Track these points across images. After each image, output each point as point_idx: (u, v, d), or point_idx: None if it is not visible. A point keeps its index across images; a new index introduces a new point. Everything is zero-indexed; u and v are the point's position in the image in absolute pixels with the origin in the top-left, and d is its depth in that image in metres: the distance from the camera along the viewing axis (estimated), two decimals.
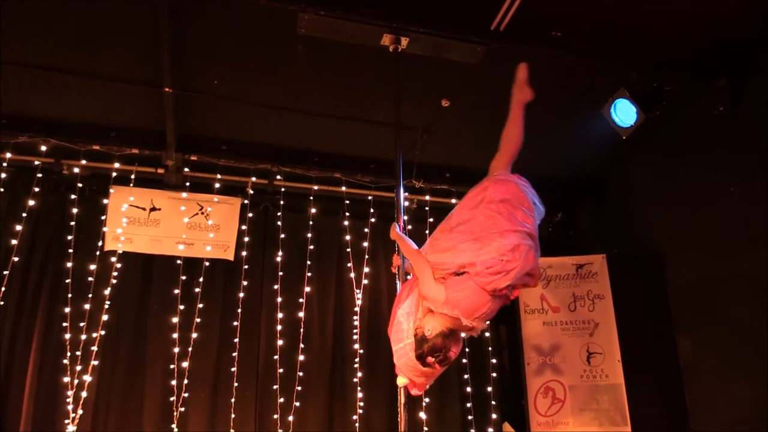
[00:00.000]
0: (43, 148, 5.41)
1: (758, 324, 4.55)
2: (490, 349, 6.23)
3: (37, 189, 5.51)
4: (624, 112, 4.82)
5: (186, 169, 5.76)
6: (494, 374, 6.19)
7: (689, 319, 5.26)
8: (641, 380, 5.30)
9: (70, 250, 5.45)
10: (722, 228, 4.89)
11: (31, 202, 5.45)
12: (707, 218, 5.05)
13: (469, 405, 6.03)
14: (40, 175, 5.54)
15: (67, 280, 5.38)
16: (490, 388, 6.11)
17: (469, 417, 6.00)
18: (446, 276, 3.19)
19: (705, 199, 5.07)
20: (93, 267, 5.45)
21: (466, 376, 6.08)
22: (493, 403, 6.08)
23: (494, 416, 6.04)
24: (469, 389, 6.06)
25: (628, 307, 5.51)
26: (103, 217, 5.59)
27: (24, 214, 5.39)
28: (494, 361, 6.23)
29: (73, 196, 5.60)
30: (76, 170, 5.63)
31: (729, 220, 4.83)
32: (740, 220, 4.73)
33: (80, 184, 5.64)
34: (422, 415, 5.81)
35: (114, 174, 5.65)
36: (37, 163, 5.53)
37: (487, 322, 6.10)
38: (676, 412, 5.19)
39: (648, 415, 5.22)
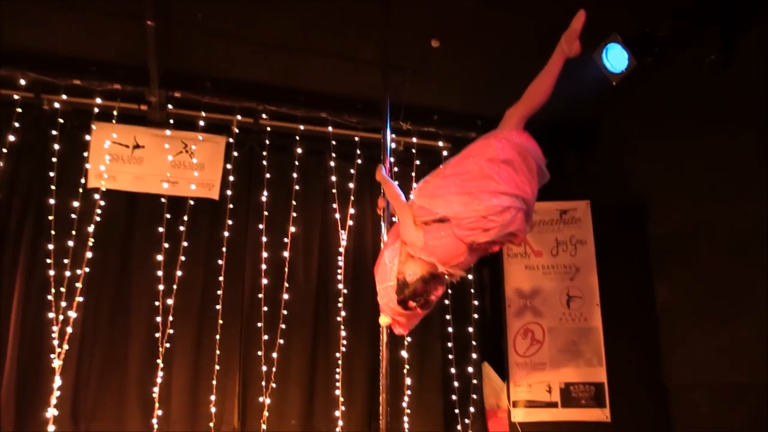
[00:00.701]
0: (22, 81, 5.28)
1: (734, 274, 4.65)
2: (472, 290, 6.32)
3: (17, 124, 5.41)
4: (616, 58, 4.77)
5: (169, 106, 5.67)
6: (476, 315, 6.28)
7: (668, 267, 5.36)
8: (618, 324, 5.43)
9: (53, 187, 5.38)
10: (706, 178, 4.93)
11: (12, 138, 5.35)
12: (692, 168, 5.08)
13: (450, 345, 6.15)
14: (19, 110, 5.43)
15: (50, 217, 5.34)
16: (471, 329, 6.22)
17: (450, 356, 6.13)
18: (429, 222, 3.20)
19: (691, 148, 5.09)
20: (76, 204, 5.41)
21: (448, 317, 6.18)
22: (474, 343, 6.19)
23: (474, 356, 6.17)
24: (450, 329, 6.17)
25: (610, 253, 5.60)
26: (85, 154, 5.50)
27: (4, 150, 5.30)
28: (476, 302, 6.32)
29: (54, 132, 5.50)
30: (57, 105, 5.52)
31: (713, 171, 4.86)
32: (724, 171, 4.77)
33: (61, 120, 5.54)
34: (404, 353, 5.93)
35: (96, 110, 5.54)
36: (16, 97, 5.41)
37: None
38: (650, 356, 5.35)
39: (623, 358, 5.37)
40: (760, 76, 4.46)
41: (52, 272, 5.26)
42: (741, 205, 4.59)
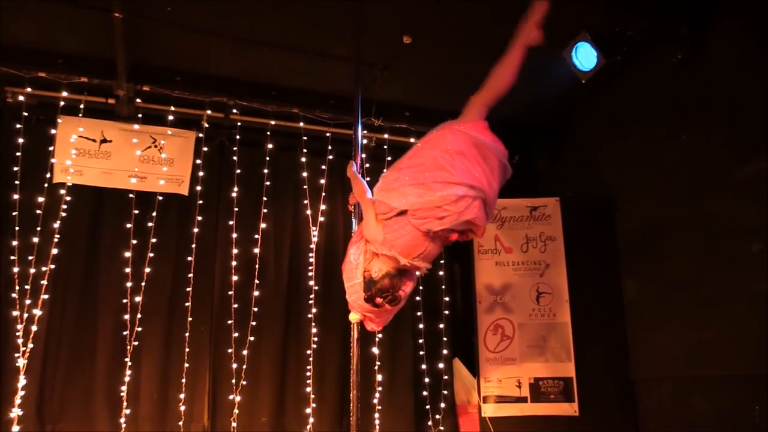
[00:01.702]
0: None
1: (699, 270, 4.75)
2: (443, 287, 6.35)
3: None
4: (585, 56, 4.82)
5: (138, 100, 5.57)
6: (446, 312, 6.32)
7: (635, 262, 5.45)
8: (587, 320, 5.51)
9: (17, 182, 5.27)
10: (672, 175, 5.02)
11: None
12: (659, 165, 5.16)
13: (421, 341, 6.18)
14: None
15: (14, 213, 5.22)
16: (442, 325, 6.26)
17: (421, 352, 6.15)
18: (390, 217, 3.19)
19: (658, 145, 5.17)
20: (41, 199, 5.29)
21: (419, 313, 6.20)
22: (445, 339, 6.24)
23: (445, 352, 6.21)
24: (421, 326, 6.19)
25: (579, 250, 5.67)
26: (51, 148, 5.39)
27: None
28: (447, 299, 6.36)
29: (18, 126, 5.37)
30: (21, 98, 5.39)
31: (679, 168, 4.95)
32: (689, 168, 4.85)
33: (26, 113, 5.41)
34: (375, 350, 5.94)
35: (62, 103, 5.43)
36: None
37: (440, 262, 6.23)
38: (617, 350, 5.43)
39: (591, 353, 5.45)
40: (726, 76, 4.55)
41: (16, 269, 5.15)
42: (707, 202, 4.68)
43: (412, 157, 3.29)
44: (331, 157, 6.15)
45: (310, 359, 5.80)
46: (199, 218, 5.74)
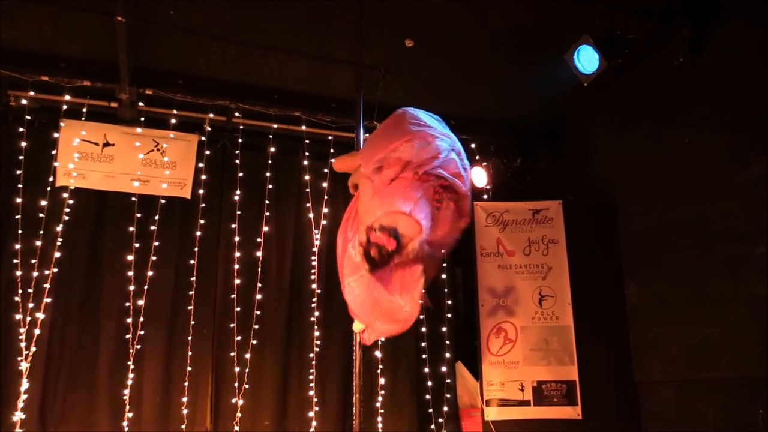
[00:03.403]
0: None
1: (699, 271, 4.73)
2: (445, 290, 6.34)
3: None
4: (587, 59, 4.81)
5: (140, 104, 5.59)
6: (449, 315, 6.32)
7: (638, 265, 5.44)
8: (589, 322, 5.49)
9: (20, 185, 5.28)
10: (674, 177, 5.01)
11: None
12: (661, 167, 5.15)
13: (423, 344, 6.17)
14: None
15: (17, 216, 5.23)
16: (444, 329, 6.25)
17: (424, 356, 6.14)
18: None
19: (660, 148, 5.16)
20: (44, 203, 5.31)
21: (421, 317, 6.19)
22: (447, 342, 6.23)
23: (448, 355, 6.20)
24: (424, 329, 6.18)
25: (581, 252, 5.66)
26: (53, 152, 5.41)
27: None
28: (449, 302, 6.35)
29: (21, 129, 5.39)
30: (24, 102, 5.41)
31: (681, 170, 4.94)
32: (691, 171, 4.85)
33: (29, 117, 5.43)
34: (378, 353, 5.93)
35: (64, 107, 5.45)
36: None
37: (443, 266, 6.21)
38: (620, 353, 5.41)
39: (594, 355, 5.44)
40: (727, 78, 4.55)
41: (19, 273, 5.16)
42: (708, 204, 4.67)
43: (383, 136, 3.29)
44: (333, 160, 6.15)
45: (313, 362, 5.80)
46: (202, 221, 5.75)
